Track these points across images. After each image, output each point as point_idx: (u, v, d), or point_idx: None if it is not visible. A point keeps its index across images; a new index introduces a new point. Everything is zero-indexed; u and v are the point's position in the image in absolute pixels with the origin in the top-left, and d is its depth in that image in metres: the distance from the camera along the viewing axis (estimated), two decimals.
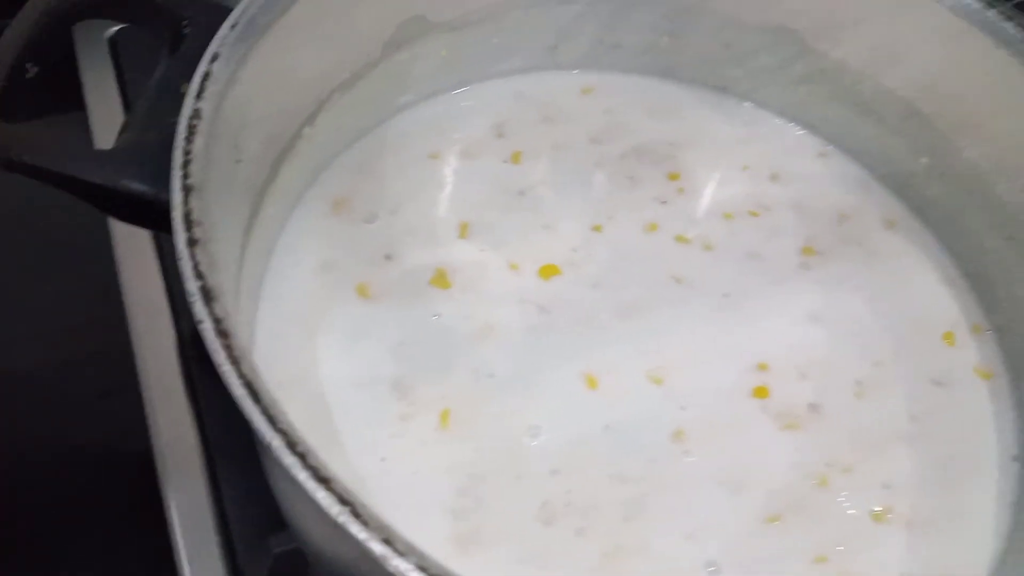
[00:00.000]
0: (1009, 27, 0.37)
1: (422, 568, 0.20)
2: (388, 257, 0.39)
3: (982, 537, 0.36)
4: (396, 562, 0.20)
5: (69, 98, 0.53)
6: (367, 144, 0.42)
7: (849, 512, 0.35)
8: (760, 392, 0.37)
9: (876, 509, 0.35)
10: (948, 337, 0.41)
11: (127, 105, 0.51)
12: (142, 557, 0.41)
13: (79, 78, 0.53)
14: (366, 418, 0.34)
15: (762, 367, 0.38)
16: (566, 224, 0.42)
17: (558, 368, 0.37)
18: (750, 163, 0.46)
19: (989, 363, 0.40)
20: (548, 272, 0.40)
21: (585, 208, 0.43)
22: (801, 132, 0.47)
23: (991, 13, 0.37)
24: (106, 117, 0.51)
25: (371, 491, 0.33)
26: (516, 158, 0.44)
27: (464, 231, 0.40)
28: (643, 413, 0.36)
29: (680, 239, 0.42)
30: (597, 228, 0.42)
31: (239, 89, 0.30)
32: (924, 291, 0.42)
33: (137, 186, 0.27)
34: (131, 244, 0.47)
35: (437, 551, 0.31)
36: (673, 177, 0.44)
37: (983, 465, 0.37)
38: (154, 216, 0.28)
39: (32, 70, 0.29)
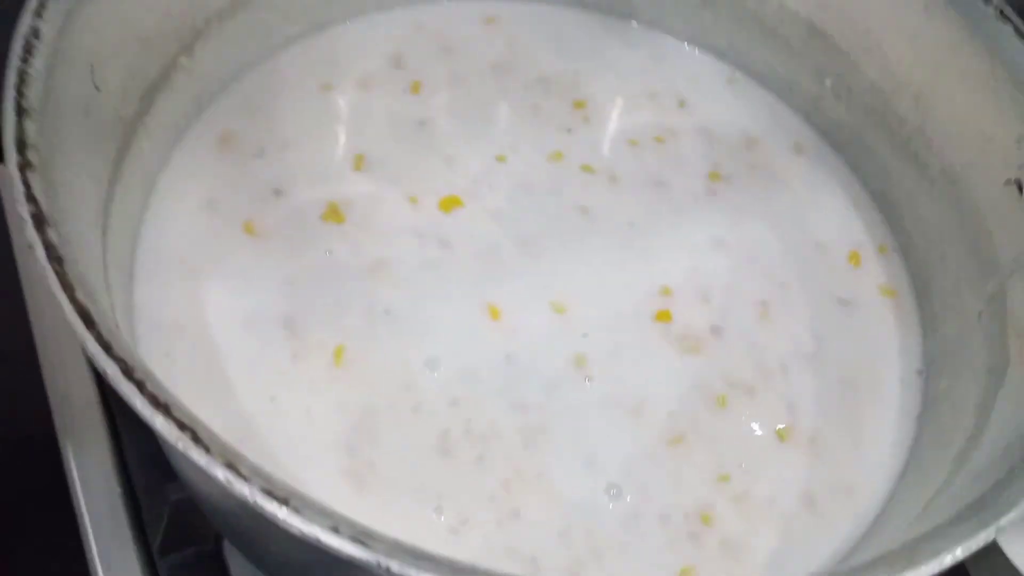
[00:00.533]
0: None
1: (267, 491, 0.19)
2: (277, 192, 0.37)
3: (885, 452, 0.36)
4: (240, 487, 0.19)
5: None
6: (255, 77, 0.40)
7: (752, 432, 0.35)
8: (663, 316, 0.37)
9: (779, 427, 0.35)
10: (854, 257, 0.41)
11: None
12: (43, 512, 0.40)
13: None
14: (256, 359, 0.33)
15: (665, 292, 0.38)
16: (468, 155, 0.41)
17: (458, 301, 0.36)
18: (657, 91, 0.45)
19: (894, 282, 0.41)
20: (449, 204, 0.39)
21: (488, 139, 0.41)
22: (708, 58, 0.46)
23: None
24: None
25: (262, 431, 0.32)
26: (415, 88, 0.42)
27: (359, 163, 0.39)
28: (545, 341, 0.36)
29: (585, 168, 0.41)
30: (500, 159, 0.41)
31: (91, 9, 0.28)
32: (831, 214, 0.42)
33: None
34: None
35: (331, 488, 0.31)
36: (579, 105, 0.44)
37: (887, 381, 0.38)
38: None
39: None
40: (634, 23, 0.47)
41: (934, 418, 0.36)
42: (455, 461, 0.33)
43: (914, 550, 0.23)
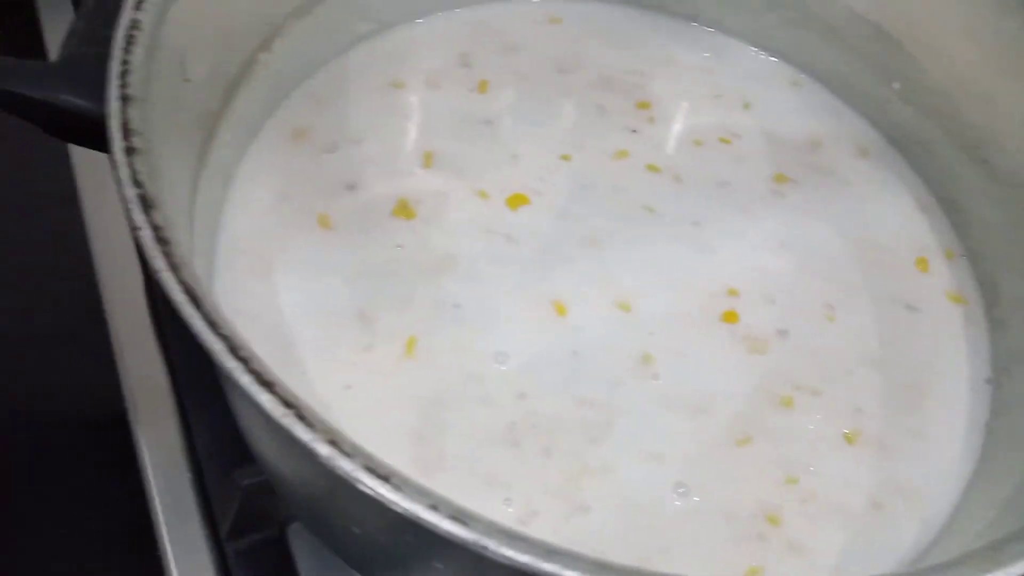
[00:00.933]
0: None
1: (369, 469, 0.19)
2: (350, 187, 0.38)
3: (953, 459, 0.36)
4: (342, 463, 0.19)
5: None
6: (328, 73, 0.41)
7: (819, 434, 0.35)
8: (729, 316, 0.37)
9: (846, 431, 0.35)
10: (921, 263, 0.41)
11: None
12: (114, 496, 0.41)
13: None
14: (330, 347, 0.34)
15: (732, 292, 0.38)
16: (534, 153, 0.41)
17: (525, 296, 0.37)
18: (721, 92, 0.45)
19: (962, 287, 0.40)
20: (516, 202, 0.39)
21: (553, 137, 0.42)
22: (773, 60, 0.46)
23: None
24: (57, 21, 0.50)
25: (335, 417, 0.32)
26: (482, 87, 0.43)
27: (428, 160, 0.40)
28: (611, 338, 0.36)
29: (651, 168, 0.42)
30: (565, 157, 0.41)
31: (183, 4, 0.29)
32: (897, 217, 0.42)
33: (78, 100, 0.26)
34: (96, 188, 0.47)
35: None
36: (643, 106, 0.44)
37: (955, 388, 0.37)
38: (96, 134, 0.27)
39: None
40: (698, 24, 0.47)
41: (1005, 426, 0.36)
42: (523, 453, 0.33)
43: (999, 550, 0.23)
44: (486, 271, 0.37)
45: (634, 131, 0.43)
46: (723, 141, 0.43)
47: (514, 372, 0.34)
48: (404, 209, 0.38)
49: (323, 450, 0.19)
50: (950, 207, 0.42)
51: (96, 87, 0.26)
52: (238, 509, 0.35)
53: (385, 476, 0.19)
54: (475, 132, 0.41)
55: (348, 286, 0.36)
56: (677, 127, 0.44)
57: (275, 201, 0.37)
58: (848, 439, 0.35)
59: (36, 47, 0.49)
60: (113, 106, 0.24)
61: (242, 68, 0.35)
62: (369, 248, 0.37)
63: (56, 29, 0.49)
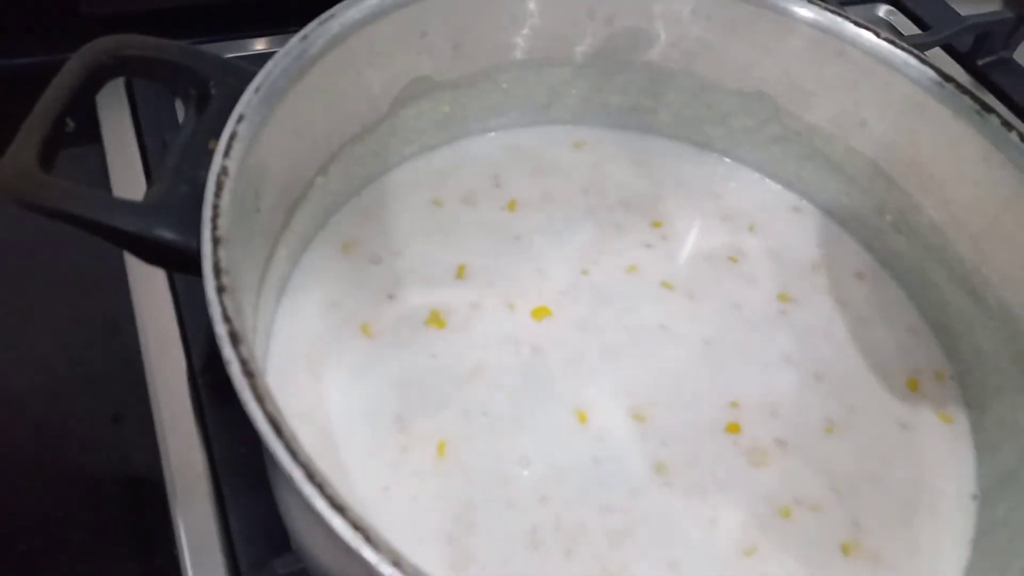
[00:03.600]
0: (966, 100, 0.40)
1: None
2: (391, 297, 0.42)
3: (942, 571, 0.38)
4: None
5: (84, 135, 0.56)
6: (374, 190, 0.45)
7: (818, 546, 0.37)
8: (732, 428, 0.40)
9: (846, 542, 0.38)
10: (912, 383, 0.44)
11: (142, 145, 0.54)
12: None
13: (96, 117, 0.56)
14: (369, 449, 0.37)
15: (734, 404, 0.41)
16: (557, 268, 0.44)
17: (548, 404, 0.40)
18: (728, 214, 0.49)
19: (950, 408, 0.43)
20: (540, 313, 0.43)
21: (575, 252, 0.45)
22: (777, 187, 0.50)
23: (950, 87, 0.41)
24: (123, 156, 0.54)
25: (374, 517, 0.35)
26: (512, 206, 0.47)
27: (461, 272, 0.43)
28: (627, 447, 0.39)
29: (665, 285, 0.45)
30: (585, 272, 0.45)
31: (261, 147, 0.32)
32: (891, 339, 0.45)
33: (169, 235, 0.30)
34: (145, 277, 0.49)
35: (434, 574, 0.34)
36: (656, 225, 0.47)
37: (944, 504, 0.40)
38: (182, 261, 0.30)
39: (71, 124, 0.32)
40: (709, 152, 0.51)
41: (991, 543, 0.38)
42: (545, 554, 0.35)
43: None
44: (512, 379, 0.40)
45: (649, 246, 0.46)
46: (731, 260, 0.47)
47: (537, 477, 0.37)
48: (436, 319, 0.41)
49: (387, 571, 0.22)
50: (940, 331, 0.45)
51: (184, 223, 0.30)
52: None
53: None
54: (505, 247, 0.45)
55: (387, 391, 0.39)
56: (688, 245, 0.47)
57: (324, 309, 0.40)
58: (846, 550, 0.37)
59: (102, 177, 0.53)
60: (206, 248, 0.27)
61: (302, 192, 0.38)
62: (405, 356, 0.40)
63: (120, 163, 0.53)
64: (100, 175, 0.54)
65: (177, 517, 0.42)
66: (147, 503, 0.43)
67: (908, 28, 0.68)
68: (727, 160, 0.51)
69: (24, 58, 0.60)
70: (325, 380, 0.38)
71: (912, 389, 0.44)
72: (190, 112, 0.34)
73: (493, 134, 0.49)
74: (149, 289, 0.49)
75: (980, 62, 0.65)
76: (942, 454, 0.42)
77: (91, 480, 0.46)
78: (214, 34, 0.60)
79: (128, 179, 0.53)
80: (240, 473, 0.42)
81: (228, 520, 0.42)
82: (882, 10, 0.70)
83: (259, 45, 0.60)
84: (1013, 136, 0.39)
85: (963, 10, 0.67)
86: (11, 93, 0.59)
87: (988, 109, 0.40)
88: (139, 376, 0.46)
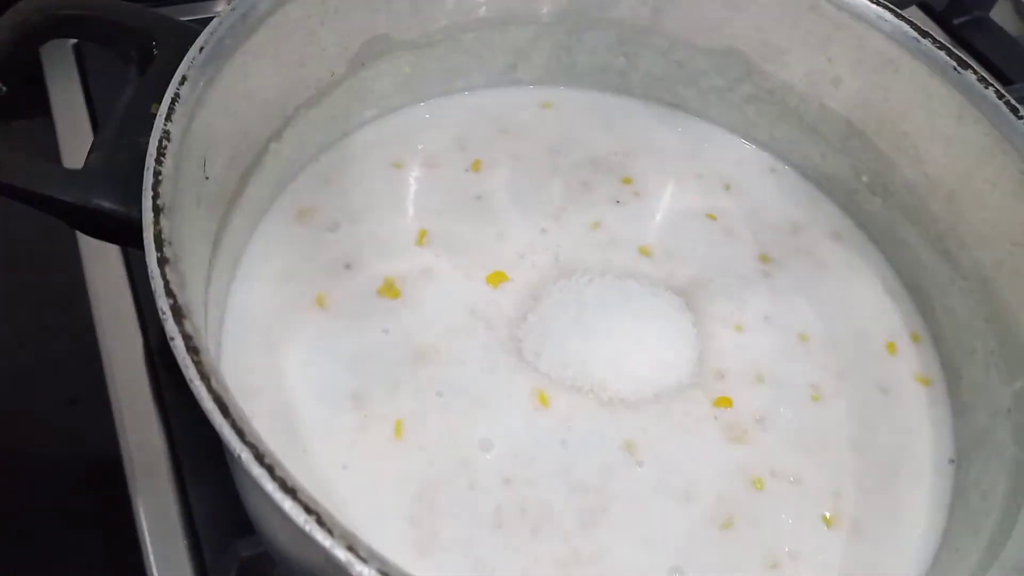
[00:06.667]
0: (942, 55, 0.39)
1: (384, 573, 0.21)
2: (347, 266, 0.40)
3: (919, 537, 0.38)
4: (359, 567, 0.21)
5: (33, 105, 0.54)
6: (332, 155, 0.43)
7: (799, 517, 0.36)
8: (716, 399, 0.39)
9: (827, 514, 0.37)
10: (891, 347, 0.43)
11: (93, 114, 0.51)
12: (111, 562, 0.42)
13: (44, 86, 0.54)
14: (327, 427, 0.35)
15: (718, 374, 0.40)
16: (518, 228, 0.43)
17: (507, 383, 0.38)
18: (703, 173, 0.48)
19: (927, 370, 0.43)
20: (497, 279, 0.41)
21: (539, 211, 0.44)
22: (752, 148, 0.49)
23: (925, 42, 0.40)
24: (72, 125, 0.52)
25: (334, 497, 0.34)
26: (476, 166, 0.45)
27: (422, 239, 0.41)
28: (596, 427, 0.37)
29: (637, 243, 0.43)
30: (545, 231, 0.43)
31: (207, 110, 0.31)
32: (869, 301, 0.45)
33: (108, 205, 0.28)
34: (98, 252, 0.48)
35: (396, 555, 0.33)
36: (627, 182, 0.46)
37: (922, 468, 0.39)
38: (124, 233, 0.29)
39: (2, 89, 0.30)
40: (681, 112, 0.49)
41: (963, 506, 0.38)
42: (509, 536, 0.34)
43: None
44: (466, 356, 0.38)
45: (618, 202, 0.45)
46: (710, 217, 0.45)
47: (499, 460, 0.35)
48: (391, 289, 0.39)
49: (341, 555, 0.21)
50: (916, 293, 0.45)
51: (124, 192, 0.28)
52: None
53: None
54: (466, 208, 0.43)
55: (342, 368, 0.37)
56: (661, 203, 0.46)
57: (279, 281, 0.39)
58: (828, 522, 0.37)
59: (52, 149, 0.50)
60: (147, 217, 0.26)
61: (255, 158, 0.37)
62: (360, 329, 0.38)
63: (69, 132, 0.51)
64: (50, 147, 0.51)
65: (137, 500, 0.41)
66: (106, 486, 0.42)
67: None
68: (700, 121, 0.49)
69: None
70: (280, 355, 0.37)
71: (891, 352, 0.43)
72: (131, 74, 0.32)
73: (457, 96, 0.47)
74: (102, 265, 0.47)
75: (956, 21, 0.65)
76: (921, 418, 0.41)
77: (49, 463, 0.45)
78: None
79: (78, 150, 0.50)
80: (201, 455, 0.41)
81: (190, 502, 0.41)
82: None
83: (220, 7, 0.58)
84: (990, 92, 0.38)
85: None
86: None
87: (964, 65, 0.39)
88: (95, 356, 0.45)
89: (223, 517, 0.39)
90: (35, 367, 0.47)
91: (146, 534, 0.40)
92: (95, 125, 0.51)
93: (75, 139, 0.51)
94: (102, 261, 0.48)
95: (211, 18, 0.31)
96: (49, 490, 0.44)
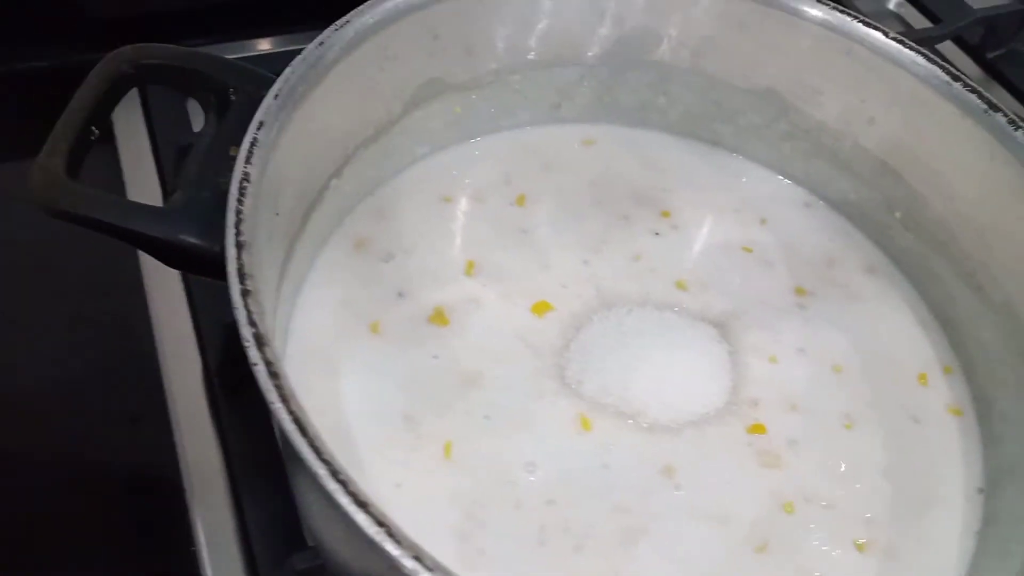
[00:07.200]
0: (973, 98, 0.41)
1: None
2: (400, 295, 0.42)
3: (949, 562, 0.38)
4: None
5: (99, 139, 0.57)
6: (387, 190, 0.45)
7: (830, 543, 0.38)
8: (750, 426, 0.40)
9: (858, 540, 0.38)
10: (922, 378, 0.44)
11: (155, 149, 0.54)
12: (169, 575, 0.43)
13: (110, 122, 0.56)
14: (380, 447, 0.37)
15: (752, 402, 0.41)
16: (561, 259, 0.45)
17: (551, 407, 0.39)
18: (739, 207, 0.49)
19: (959, 401, 0.44)
20: (541, 309, 0.43)
21: (581, 243, 0.45)
22: (787, 183, 0.51)
23: (957, 85, 0.41)
24: (136, 159, 0.55)
25: (389, 513, 0.35)
26: (520, 201, 0.47)
27: (470, 269, 0.44)
28: (635, 451, 0.39)
29: (674, 276, 0.45)
30: (587, 262, 0.45)
31: (280, 152, 0.33)
32: (901, 333, 0.46)
33: (193, 240, 0.30)
34: (160, 279, 0.50)
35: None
36: (665, 215, 0.48)
37: (951, 497, 0.40)
38: (204, 265, 0.31)
39: (95, 132, 0.33)
40: (719, 149, 0.51)
41: (994, 532, 0.39)
42: (555, 552, 0.35)
43: None
44: (511, 382, 0.40)
45: (657, 234, 0.47)
46: (746, 250, 0.47)
47: (543, 481, 0.37)
48: (440, 317, 0.42)
49: (408, 564, 0.23)
50: (948, 326, 0.46)
51: (207, 228, 0.30)
52: None
53: None
54: (512, 240, 0.45)
55: (395, 390, 0.39)
56: (698, 235, 0.48)
57: (337, 308, 0.41)
58: (860, 548, 0.38)
59: (116, 180, 0.53)
60: (230, 252, 0.28)
61: (318, 194, 0.39)
62: (411, 355, 0.40)
63: (133, 165, 0.54)
64: (114, 179, 0.54)
65: (195, 515, 0.42)
66: (165, 502, 0.44)
67: (919, 20, 0.68)
68: (736, 156, 0.51)
69: (34, 62, 0.60)
70: (337, 378, 0.39)
71: (922, 383, 0.44)
72: (210, 118, 0.35)
73: (503, 133, 0.49)
74: (164, 290, 0.49)
75: (990, 55, 0.65)
76: (952, 448, 0.42)
77: (110, 481, 0.47)
78: (215, 35, 0.60)
79: (142, 183, 0.53)
80: (256, 471, 0.43)
81: (245, 517, 0.42)
82: (892, 3, 0.70)
83: (263, 45, 0.60)
84: (1019, 134, 0.40)
85: (974, 2, 0.66)
86: (21, 95, 0.60)
87: (995, 107, 0.41)
88: (156, 377, 0.47)
89: (278, 531, 0.40)
90: (99, 388, 0.49)
91: (203, 548, 0.41)
92: (157, 159, 0.54)
93: (139, 173, 0.54)
94: (163, 287, 0.49)
95: (254, 56, 0.34)
96: (111, 505, 0.46)
